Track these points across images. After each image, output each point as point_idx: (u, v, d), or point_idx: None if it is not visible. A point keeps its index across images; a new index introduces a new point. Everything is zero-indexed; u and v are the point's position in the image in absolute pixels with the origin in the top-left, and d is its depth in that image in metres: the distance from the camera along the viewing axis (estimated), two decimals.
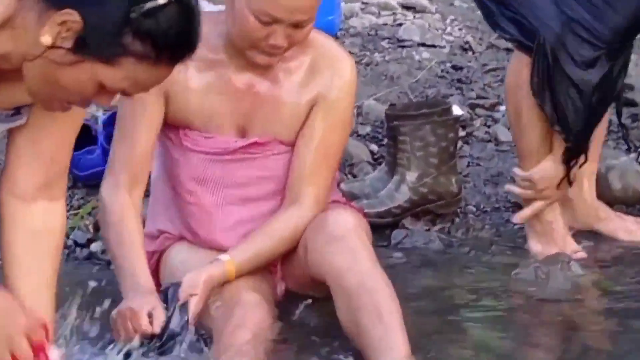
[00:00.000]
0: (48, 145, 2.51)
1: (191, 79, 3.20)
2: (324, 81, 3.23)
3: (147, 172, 3.33)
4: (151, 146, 3.24)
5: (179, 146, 3.29)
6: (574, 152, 3.80)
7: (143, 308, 3.06)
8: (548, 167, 3.74)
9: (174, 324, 3.12)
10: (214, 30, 3.15)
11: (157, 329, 3.05)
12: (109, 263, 3.73)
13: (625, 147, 4.27)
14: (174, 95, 3.20)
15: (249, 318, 3.09)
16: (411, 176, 3.94)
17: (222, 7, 3.66)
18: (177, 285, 3.15)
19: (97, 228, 3.96)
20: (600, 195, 3.96)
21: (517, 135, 3.76)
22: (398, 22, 5.43)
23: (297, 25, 3.05)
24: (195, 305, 3.08)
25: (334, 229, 3.18)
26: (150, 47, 2.14)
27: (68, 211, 3.79)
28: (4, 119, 2.44)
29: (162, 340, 3.07)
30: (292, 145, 3.25)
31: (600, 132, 3.87)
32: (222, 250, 3.25)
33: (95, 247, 3.97)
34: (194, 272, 3.14)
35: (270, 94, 3.24)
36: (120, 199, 3.26)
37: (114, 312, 3.08)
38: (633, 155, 4.18)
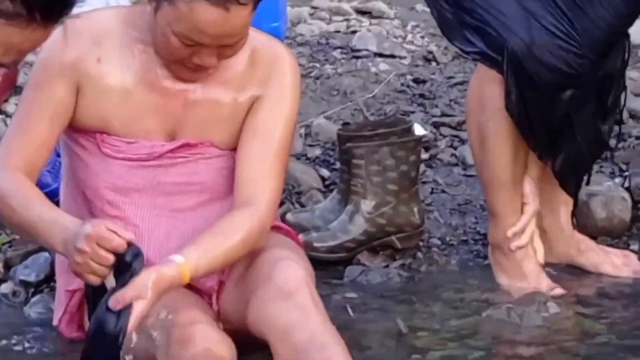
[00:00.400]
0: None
1: (110, 74, 3.17)
2: (264, 76, 3.27)
3: (39, 170, 3.34)
4: (51, 142, 3.23)
5: (95, 154, 3.26)
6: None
7: (99, 226, 2.97)
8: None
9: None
10: (139, 24, 3.20)
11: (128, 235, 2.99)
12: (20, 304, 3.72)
13: (610, 170, 4.28)
14: (89, 92, 3.18)
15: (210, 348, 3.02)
16: (367, 205, 3.90)
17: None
18: (137, 250, 3.01)
19: (8, 266, 3.86)
20: (582, 226, 3.92)
21: (480, 162, 3.76)
22: (352, 29, 5.45)
23: (226, 46, 3.09)
24: (141, 310, 2.93)
25: (283, 285, 3.14)
26: (19, 4, 2.02)
27: None
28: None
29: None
30: (226, 149, 3.28)
31: None
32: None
33: (5, 288, 3.82)
34: (143, 272, 3.00)
35: (204, 93, 3.26)
36: (13, 175, 3.24)
37: (71, 260, 3.00)
38: (619, 180, 4.21)
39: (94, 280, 2.96)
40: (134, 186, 3.27)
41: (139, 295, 2.89)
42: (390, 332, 3.45)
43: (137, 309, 2.90)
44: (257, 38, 3.26)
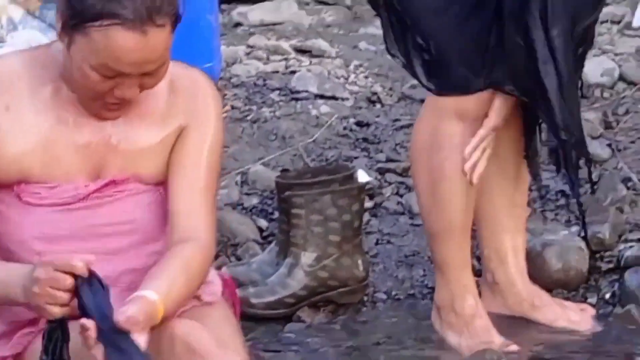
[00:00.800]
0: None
1: (22, 121, 3.15)
2: (186, 104, 3.25)
3: None
4: None
5: (16, 205, 3.19)
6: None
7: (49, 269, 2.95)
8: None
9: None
10: (47, 64, 3.18)
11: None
12: None
13: (566, 218, 4.30)
14: (3, 140, 3.14)
15: None
16: (308, 258, 3.93)
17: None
18: (94, 277, 2.95)
19: None
20: (536, 277, 3.92)
21: (430, 209, 3.78)
22: (291, 69, 5.43)
23: (148, 74, 3.05)
24: (145, 342, 2.92)
25: None
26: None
27: None
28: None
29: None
30: (153, 183, 3.23)
31: (521, 195, 3.96)
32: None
33: None
34: (126, 307, 2.92)
35: (126, 128, 3.21)
36: None
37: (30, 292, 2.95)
38: (575, 228, 4.22)
39: (57, 313, 2.94)
40: (64, 232, 3.19)
41: (133, 329, 2.91)
42: None
43: (142, 341, 2.91)
44: (174, 67, 3.23)
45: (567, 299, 3.96)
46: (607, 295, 4.09)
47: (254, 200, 4.46)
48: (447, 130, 3.71)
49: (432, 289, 3.94)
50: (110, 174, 3.18)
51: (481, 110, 3.79)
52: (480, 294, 3.94)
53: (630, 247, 4.11)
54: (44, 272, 2.86)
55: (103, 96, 3.02)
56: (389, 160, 4.71)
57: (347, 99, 5.15)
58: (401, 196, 4.56)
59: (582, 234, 4.16)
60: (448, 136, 3.70)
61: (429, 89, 3.97)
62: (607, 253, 4.15)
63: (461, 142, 3.68)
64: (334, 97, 5.10)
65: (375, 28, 5.60)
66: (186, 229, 3.17)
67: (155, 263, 3.14)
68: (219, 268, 3.81)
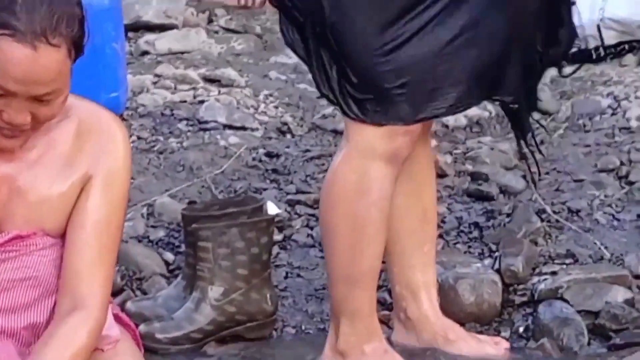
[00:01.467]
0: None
1: None
2: (93, 151, 3.15)
3: None
4: None
5: None
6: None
7: None
8: None
9: None
10: None
11: None
12: None
13: (479, 251, 4.35)
14: None
15: None
16: (215, 292, 3.92)
17: None
18: None
19: None
20: (449, 311, 3.92)
21: (349, 256, 3.70)
22: (199, 98, 5.37)
23: (39, 100, 2.95)
24: None
25: None
26: None
27: None
28: None
29: None
30: (60, 236, 3.16)
31: (430, 230, 3.91)
32: None
33: None
34: None
35: (31, 177, 3.11)
36: None
37: None
38: (488, 261, 4.25)
39: None
40: None
41: None
42: None
43: None
44: (82, 107, 3.15)
45: (480, 332, 3.93)
46: (521, 329, 4.07)
47: (160, 233, 4.44)
48: (376, 174, 3.66)
49: None
50: (15, 226, 3.12)
51: (411, 150, 3.78)
52: (393, 328, 3.95)
53: (544, 280, 4.12)
54: None
55: None
56: (299, 191, 4.75)
57: (257, 129, 5.17)
58: (311, 228, 4.56)
59: (496, 266, 4.14)
60: (376, 180, 3.66)
61: (363, 121, 3.85)
62: (521, 286, 4.16)
63: (389, 186, 3.66)
64: (243, 128, 5.10)
65: (286, 57, 5.78)
66: (77, 295, 3.16)
67: (42, 336, 3.15)
68: (123, 302, 3.88)
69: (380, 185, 3.73)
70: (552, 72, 5.24)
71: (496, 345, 3.93)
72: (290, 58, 5.72)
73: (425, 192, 4.05)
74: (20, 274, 3.11)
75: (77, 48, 2.94)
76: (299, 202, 4.65)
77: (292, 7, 4.01)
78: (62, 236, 3.14)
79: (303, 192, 4.73)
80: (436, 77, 3.88)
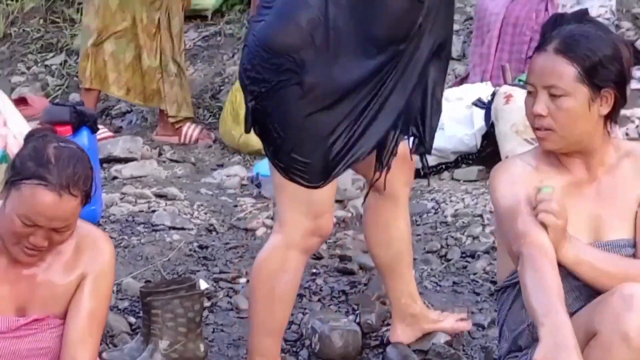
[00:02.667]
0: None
1: None
2: (87, 259, 3.20)
3: None
4: None
5: None
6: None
7: None
8: None
9: None
10: None
11: None
12: None
13: (345, 310, 4.36)
14: None
15: None
16: (163, 344, 3.88)
17: None
18: None
19: None
20: (325, 353, 4.00)
21: (267, 315, 3.72)
22: (152, 209, 5.30)
23: (56, 230, 3.05)
24: None
25: None
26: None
27: None
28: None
29: None
30: (64, 317, 3.20)
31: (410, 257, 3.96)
32: None
33: None
34: None
35: (44, 276, 3.18)
36: None
37: None
38: (352, 317, 4.24)
39: None
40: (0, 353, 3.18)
41: None
42: None
43: None
44: (81, 228, 3.22)
45: None
46: None
47: (126, 304, 4.33)
48: (294, 262, 3.64)
49: None
50: (34, 311, 3.15)
51: (317, 249, 3.83)
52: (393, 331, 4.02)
53: (389, 329, 4.12)
54: None
55: (21, 240, 2.99)
56: (221, 272, 4.66)
57: (192, 229, 5.12)
58: (230, 297, 4.47)
59: (357, 320, 4.13)
60: (294, 266, 3.65)
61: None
62: (374, 334, 4.14)
63: (302, 269, 3.69)
64: (182, 228, 5.08)
65: (212, 178, 5.75)
66: (74, 357, 3.22)
67: None
68: (101, 353, 3.63)
69: (296, 269, 3.68)
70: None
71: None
72: (214, 179, 5.72)
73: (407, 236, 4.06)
74: (37, 345, 3.16)
75: (87, 198, 3.04)
76: (221, 279, 4.55)
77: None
78: (65, 317, 3.20)
79: (224, 272, 4.65)
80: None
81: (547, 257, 3.15)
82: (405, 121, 3.85)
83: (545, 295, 3.07)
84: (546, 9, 5.94)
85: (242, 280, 4.49)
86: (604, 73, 3.22)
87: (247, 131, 3.82)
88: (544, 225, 3.14)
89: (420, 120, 3.91)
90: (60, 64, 7.11)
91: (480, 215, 4.69)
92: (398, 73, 3.75)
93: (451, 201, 5.29)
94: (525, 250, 3.14)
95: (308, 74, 3.55)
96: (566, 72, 3.16)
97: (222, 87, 6.54)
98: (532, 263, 3.13)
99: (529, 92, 3.23)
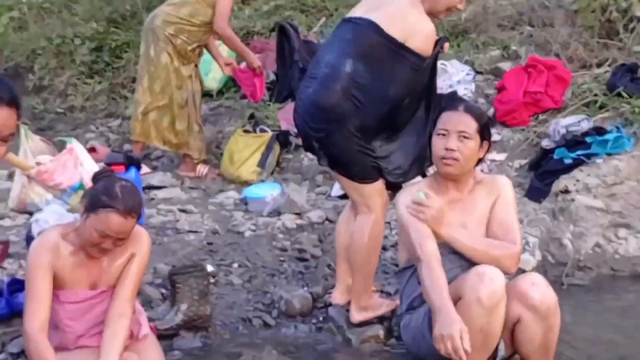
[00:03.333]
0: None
1: (65, 264, 3.10)
2: (135, 245, 3.20)
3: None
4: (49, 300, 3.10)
5: (55, 301, 3.12)
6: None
7: None
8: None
9: None
10: (73, 232, 3.11)
11: None
12: None
13: (302, 284, 4.14)
14: (55, 273, 3.09)
15: None
16: (183, 307, 3.80)
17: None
18: None
19: (2, 343, 3.57)
20: (288, 313, 3.87)
21: (366, 264, 3.54)
22: (177, 219, 5.07)
23: (120, 239, 3.09)
24: None
25: None
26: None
27: None
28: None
29: None
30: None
31: None
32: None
33: (2, 356, 3.53)
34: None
35: (108, 262, 3.17)
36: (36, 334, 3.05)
37: None
38: (306, 288, 4.08)
39: None
40: (78, 316, 3.18)
41: None
42: None
43: None
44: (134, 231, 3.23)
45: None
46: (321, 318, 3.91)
47: (159, 281, 4.17)
48: (383, 226, 3.59)
49: None
50: (102, 285, 3.17)
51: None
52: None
53: (331, 295, 3.96)
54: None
55: (96, 245, 3.04)
56: (221, 260, 4.46)
57: (202, 232, 4.88)
58: (227, 276, 4.31)
59: (309, 291, 3.99)
60: (383, 228, 3.61)
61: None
62: (321, 299, 3.99)
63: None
64: (196, 231, 4.84)
65: (216, 199, 5.49)
66: (119, 309, 3.13)
67: (105, 332, 3.08)
68: (142, 307, 3.61)
69: (382, 228, 3.67)
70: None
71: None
72: (217, 200, 5.51)
73: None
74: (101, 309, 3.14)
75: (139, 218, 3.08)
76: (221, 264, 4.36)
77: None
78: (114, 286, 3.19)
79: (223, 260, 4.43)
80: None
81: (436, 260, 3.19)
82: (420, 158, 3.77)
83: (438, 289, 3.12)
84: None
85: (235, 265, 4.38)
86: (487, 130, 3.37)
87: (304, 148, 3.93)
88: (422, 219, 3.20)
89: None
90: (118, 125, 6.91)
91: (389, 222, 4.51)
92: (409, 123, 3.68)
93: None
94: (423, 257, 3.21)
95: (348, 122, 3.49)
96: (472, 124, 3.26)
97: (222, 141, 6.41)
98: (427, 266, 3.19)
99: (441, 135, 3.26)
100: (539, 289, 3.05)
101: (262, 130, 5.90)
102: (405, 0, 3.48)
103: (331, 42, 3.64)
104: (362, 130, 3.48)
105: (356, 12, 3.56)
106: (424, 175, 3.68)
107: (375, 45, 3.41)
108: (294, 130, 5.50)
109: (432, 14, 3.51)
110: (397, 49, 3.39)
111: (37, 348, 3.01)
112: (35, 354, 3.02)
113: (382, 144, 3.58)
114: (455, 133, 3.21)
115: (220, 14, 5.61)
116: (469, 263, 3.18)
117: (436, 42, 3.51)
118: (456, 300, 3.03)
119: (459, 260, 3.21)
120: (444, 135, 3.23)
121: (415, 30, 3.42)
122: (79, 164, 4.81)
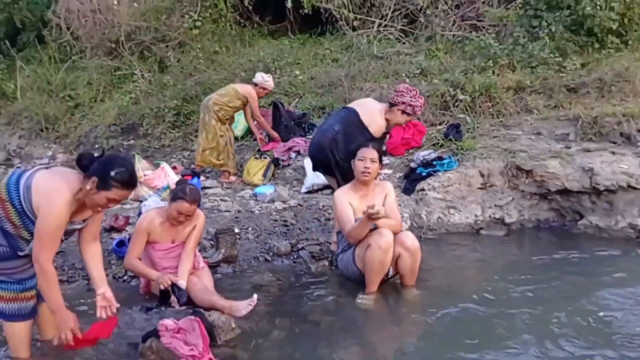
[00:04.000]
0: (93, 227, 2.48)
1: (155, 228, 3.08)
2: (197, 219, 3.17)
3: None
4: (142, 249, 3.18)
5: (149, 250, 3.15)
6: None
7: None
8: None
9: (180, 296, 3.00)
10: (164, 213, 3.09)
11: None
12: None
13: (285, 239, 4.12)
14: (155, 233, 3.14)
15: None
16: (222, 250, 3.78)
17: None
18: (176, 285, 2.99)
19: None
20: (278, 253, 3.89)
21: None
22: (218, 205, 5.03)
23: (188, 216, 3.03)
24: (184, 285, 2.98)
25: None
26: (120, 184, 2.22)
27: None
28: (82, 223, 2.41)
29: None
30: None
31: None
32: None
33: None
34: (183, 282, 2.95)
35: (182, 228, 3.17)
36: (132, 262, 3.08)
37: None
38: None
39: (166, 285, 2.98)
40: (166, 259, 3.14)
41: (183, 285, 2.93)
42: None
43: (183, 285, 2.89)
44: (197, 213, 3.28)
45: None
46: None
47: (209, 237, 4.15)
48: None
49: None
50: (177, 240, 3.20)
51: None
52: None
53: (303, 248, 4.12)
54: (162, 277, 3.03)
55: (175, 219, 3.11)
56: (242, 227, 4.43)
57: (232, 211, 4.86)
58: (245, 234, 4.29)
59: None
60: None
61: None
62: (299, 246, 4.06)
63: None
64: (228, 211, 4.86)
65: (239, 194, 5.44)
66: (187, 253, 3.09)
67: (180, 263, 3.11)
68: (200, 251, 3.63)
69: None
70: None
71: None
72: (240, 194, 5.40)
73: None
74: (178, 254, 3.19)
75: (199, 205, 3.07)
76: (242, 228, 4.33)
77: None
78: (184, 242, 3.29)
79: (244, 227, 4.39)
80: None
81: (352, 226, 3.12)
82: None
83: (352, 224, 3.13)
84: None
85: (250, 229, 4.44)
86: (382, 157, 3.51)
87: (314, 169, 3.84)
88: (375, 219, 3.12)
89: None
90: (188, 155, 6.77)
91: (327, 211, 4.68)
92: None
93: (324, 206, 4.93)
94: (348, 227, 3.16)
95: (338, 157, 3.65)
96: (375, 154, 3.44)
97: (243, 163, 6.15)
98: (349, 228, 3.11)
99: (361, 160, 3.34)
100: (409, 239, 3.29)
101: (264, 158, 6.06)
102: (377, 108, 3.72)
103: (329, 117, 3.94)
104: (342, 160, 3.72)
105: (350, 105, 3.85)
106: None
107: (352, 122, 3.69)
108: (282, 158, 5.98)
109: (387, 120, 3.74)
110: (362, 128, 3.69)
111: (137, 264, 3.08)
112: (137, 269, 3.08)
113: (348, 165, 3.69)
114: (368, 159, 3.37)
115: (254, 109, 5.90)
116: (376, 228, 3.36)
117: (384, 134, 3.80)
118: (366, 247, 3.21)
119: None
120: (362, 160, 3.39)
121: (375, 123, 3.69)
122: (167, 175, 5.16)
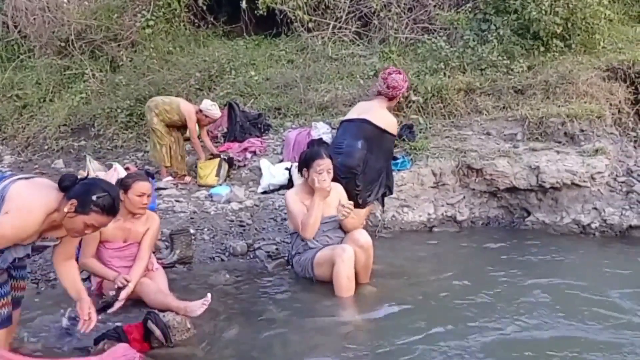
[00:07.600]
0: (69, 246, 2.40)
1: (110, 226, 2.78)
2: (150, 222, 3.12)
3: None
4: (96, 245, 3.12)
5: (101, 248, 3.07)
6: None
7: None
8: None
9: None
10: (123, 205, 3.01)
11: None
12: None
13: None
14: (104, 231, 3.04)
15: None
16: (176, 251, 3.77)
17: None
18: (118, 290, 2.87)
19: None
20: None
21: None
22: (173, 205, 5.00)
23: (147, 196, 2.96)
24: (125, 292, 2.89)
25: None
26: (100, 210, 2.11)
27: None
28: (55, 240, 2.31)
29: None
30: (139, 243, 3.15)
31: None
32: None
33: None
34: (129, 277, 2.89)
35: (135, 228, 3.07)
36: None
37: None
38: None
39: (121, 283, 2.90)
40: (117, 258, 3.08)
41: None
42: None
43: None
44: (148, 212, 3.14)
45: None
46: None
47: (163, 238, 4.12)
48: None
49: None
50: (130, 240, 3.11)
51: None
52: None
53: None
54: (119, 277, 2.94)
55: (140, 204, 3.01)
56: (198, 227, 4.47)
57: (187, 212, 4.86)
58: (200, 235, 4.35)
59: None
60: None
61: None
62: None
63: None
64: (183, 212, 4.92)
65: (194, 194, 5.40)
66: (142, 254, 3.03)
67: (132, 267, 3.00)
68: (154, 252, 3.58)
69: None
70: None
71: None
72: (195, 194, 5.36)
73: None
74: (130, 253, 3.11)
75: (153, 186, 2.95)
76: (197, 229, 4.32)
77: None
78: (139, 243, 3.18)
79: (199, 228, 4.40)
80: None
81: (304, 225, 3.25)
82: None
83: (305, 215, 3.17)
84: (309, 136, 5.57)
85: (205, 229, 4.44)
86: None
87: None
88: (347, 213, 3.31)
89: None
90: (141, 156, 6.67)
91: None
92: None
93: (280, 206, 4.93)
94: (301, 227, 3.20)
95: (360, 175, 3.72)
96: (330, 162, 3.43)
97: (196, 163, 5.94)
98: (304, 229, 3.16)
99: (320, 173, 3.35)
100: (362, 236, 3.39)
101: (214, 157, 5.95)
102: (377, 104, 3.74)
103: (342, 134, 3.79)
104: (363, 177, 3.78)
105: (352, 116, 3.83)
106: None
107: (370, 131, 3.71)
108: (237, 157, 5.81)
109: (389, 109, 3.86)
110: (382, 132, 3.75)
111: (92, 264, 3.00)
112: (92, 268, 2.99)
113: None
114: (325, 170, 3.37)
115: (191, 130, 5.65)
116: (341, 229, 3.46)
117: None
118: (330, 263, 3.23)
119: (337, 229, 3.50)
120: (320, 173, 3.37)
121: (391, 122, 3.75)
122: (119, 176, 4.52)
